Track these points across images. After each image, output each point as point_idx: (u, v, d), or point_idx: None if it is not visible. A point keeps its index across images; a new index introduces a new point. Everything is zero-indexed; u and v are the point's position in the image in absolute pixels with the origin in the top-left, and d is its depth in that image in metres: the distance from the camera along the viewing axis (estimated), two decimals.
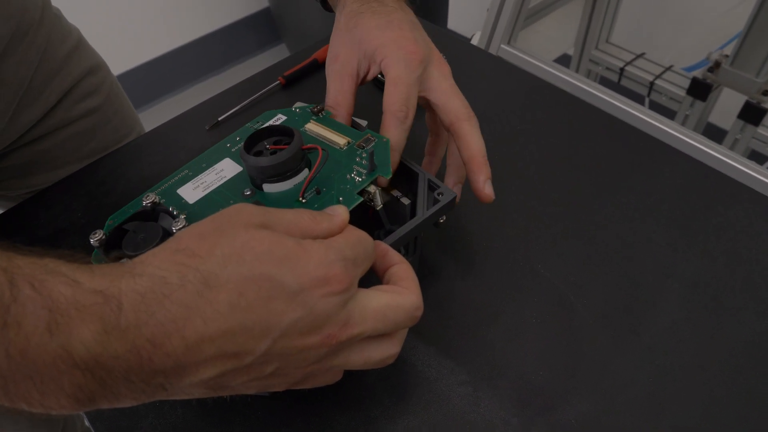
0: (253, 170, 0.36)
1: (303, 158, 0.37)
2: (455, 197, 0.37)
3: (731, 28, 1.20)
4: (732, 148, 1.18)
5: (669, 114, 1.09)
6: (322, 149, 0.37)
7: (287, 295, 0.25)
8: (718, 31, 1.32)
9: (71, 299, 0.23)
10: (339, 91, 0.41)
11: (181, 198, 0.37)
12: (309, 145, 0.37)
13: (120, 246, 0.33)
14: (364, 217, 0.39)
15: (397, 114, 0.39)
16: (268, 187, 0.36)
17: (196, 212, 0.36)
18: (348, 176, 0.37)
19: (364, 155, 0.38)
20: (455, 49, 0.62)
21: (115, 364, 0.23)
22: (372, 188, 0.36)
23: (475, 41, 1.19)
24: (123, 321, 0.23)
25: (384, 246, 0.33)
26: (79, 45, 0.59)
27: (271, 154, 0.36)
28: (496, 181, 0.50)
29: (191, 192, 0.38)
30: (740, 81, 1.07)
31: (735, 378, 0.37)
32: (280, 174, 0.36)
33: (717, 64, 1.11)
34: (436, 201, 0.37)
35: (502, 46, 1.05)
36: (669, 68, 1.25)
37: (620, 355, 0.38)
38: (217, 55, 1.94)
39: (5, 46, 0.50)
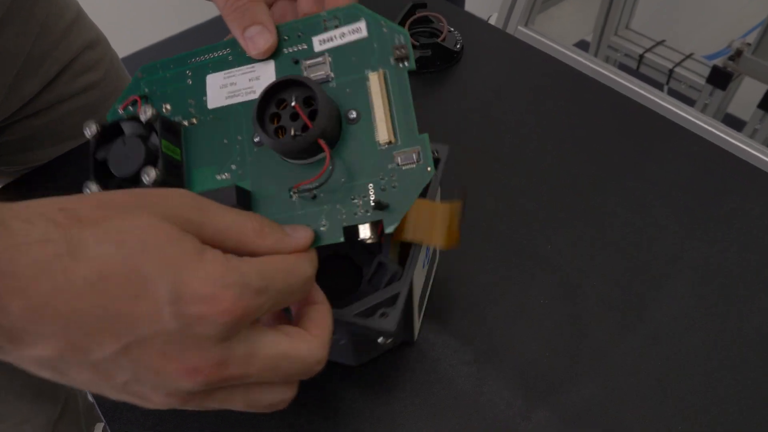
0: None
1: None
2: (392, 340, 0.31)
3: (754, 17, 1.17)
4: (751, 138, 1.16)
5: (688, 103, 1.07)
6: (330, 164, 0.28)
7: (156, 301, 0.21)
8: (740, 19, 1.30)
9: None
10: None
11: (204, 91, 0.31)
12: (323, 144, 0.28)
13: (111, 143, 0.29)
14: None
15: None
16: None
17: (206, 125, 0.30)
18: (352, 198, 0.28)
19: (392, 177, 0.28)
20: (472, 29, 0.61)
21: None
22: (365, 232, 0.28)
23: (491, 23, 1.17)
24: None
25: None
26: (79, 18, 0.59)
27: (292, 114, 0.28)
28: (505, 161, 0.49)
29: (217, 90, 0.31)
30: (762, 70, 1.05)
31: (740, 368, 0.36)
32: (288, 155, 0.30)
33: (739, 53, 1.08)
34: (372, 319, 0.29)
35: (519, 27, 1.04)
36: (689, 56, 1.23)
37: (626, 341, 0.38)
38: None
39: (3, 14, 0.49)
